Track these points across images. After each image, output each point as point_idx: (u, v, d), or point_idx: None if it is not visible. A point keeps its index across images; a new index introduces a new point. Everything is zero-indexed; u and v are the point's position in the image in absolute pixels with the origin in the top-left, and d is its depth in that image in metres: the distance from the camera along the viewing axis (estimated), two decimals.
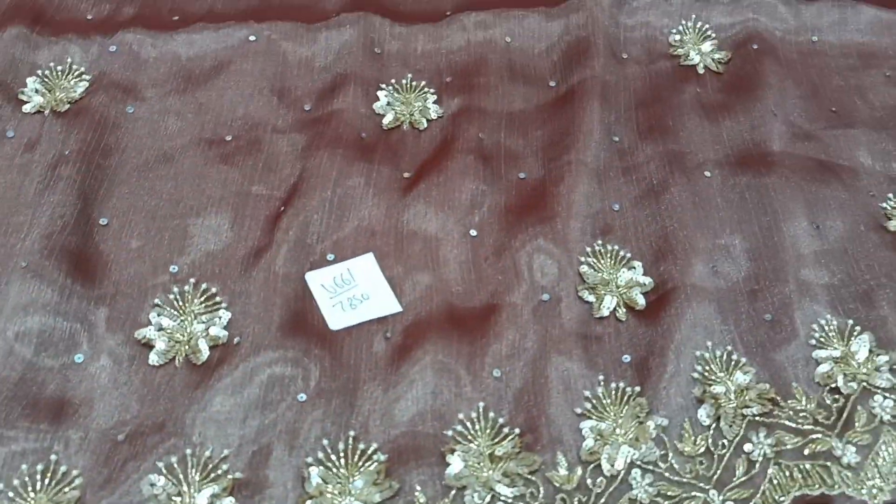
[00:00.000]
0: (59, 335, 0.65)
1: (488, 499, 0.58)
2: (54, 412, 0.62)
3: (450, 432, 0.62)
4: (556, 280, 0.71)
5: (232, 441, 0.60)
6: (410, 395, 0.63)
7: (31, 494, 0.57)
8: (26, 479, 0.58)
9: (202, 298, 0.69)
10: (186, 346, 0.66)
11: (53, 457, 0.59)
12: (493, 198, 0.78)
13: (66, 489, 0.58)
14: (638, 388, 0.64)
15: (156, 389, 0.64)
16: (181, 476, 0.58)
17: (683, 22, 0.95)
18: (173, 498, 0.57)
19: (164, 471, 0.58)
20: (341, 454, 0.60)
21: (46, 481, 0.58)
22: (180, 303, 0.69)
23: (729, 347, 0.67)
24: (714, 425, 0.63)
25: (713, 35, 0.94)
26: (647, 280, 0.72)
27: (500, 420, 0.63)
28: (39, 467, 0.58)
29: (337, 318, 0.69)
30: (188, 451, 0.59)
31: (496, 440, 0.61)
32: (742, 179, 0.79)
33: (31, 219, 0.72)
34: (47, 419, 0.61)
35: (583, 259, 0.72)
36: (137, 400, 0.63)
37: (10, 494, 0.57)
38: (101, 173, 0.77)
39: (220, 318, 0.68)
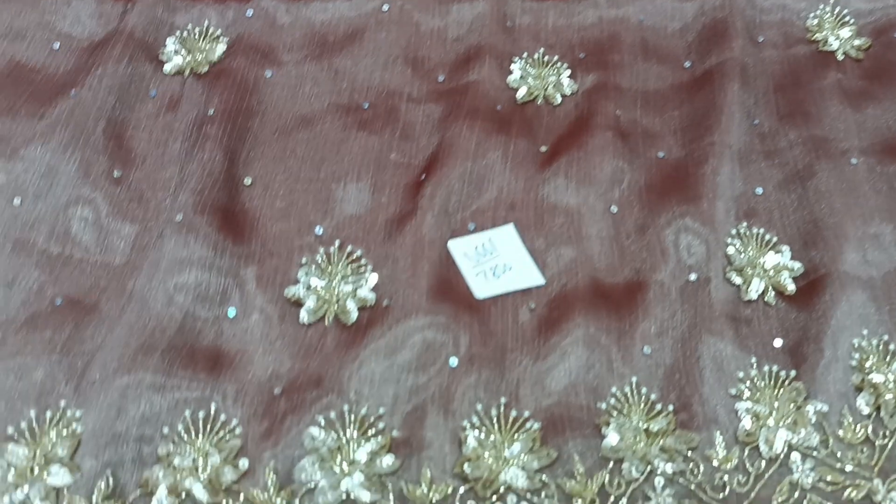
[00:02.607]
0: (214, 290, 0.66)
1: (646, 473, 0.58)
2: (211, 363, 0.63)
3: (604, 405, 0.61)
4: (704, 260, 0.69)
5: (386, 401, 0.61)
6: (562, 367, 0.63)
7: (197, 440, 0.58)
8: (190, 425, 0.59)
9: (348, 260, 0.69)
10: (335, 306, 0.66)
11: (213, 405, 0.60)
12: (632, 175, 0.77)
13: (228, 437, 0.59)
14: (793, 373, 0.63)
15: (308, 346, 0.64)
16: (340, 431, 0.59)
17: (821, 6, 0.92)
18: (334, 452, 0.58)
19: (324, 425, 0.59)
20: (494, 420, 0.60)
21: (209, 429, 0.59)
22: (327, 264, 0.69)
23: (885, 337, 0.65)
24: (874, 414, 0.61)
25: (852, 21, 0.91)
26: (797, 265, 0.70)
27: (653, 396, 0.62)
28: (201, 415, 0.59)
29: (481, 286, 0.68)
30: (345, 408, 0.60)
31: (651, 416, 0.61)
32: (890, 168, 0.77)
33: (180, 175, 0.74)
34: (205, 370, 0.62)
35: (729, 241, 0.71)
36: (290, 356, 0.64)
37: (175, 439, 0.58)
38: (243, 134, 0.78)
39: (366, 280, 0.68)
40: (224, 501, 0.56)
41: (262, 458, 0.58)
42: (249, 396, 0.61)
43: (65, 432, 0.58)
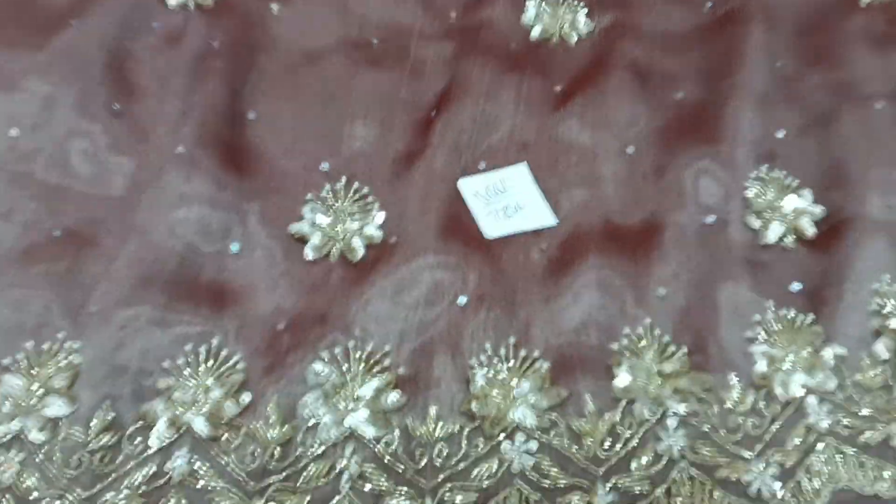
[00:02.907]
0: (216, 225, 0.65)
1: (659, 414, 0.56)
2: (213, 298, 0.61)
3: (616, 346, 0.60)
4: (722, 203, 0.67)
5: (393, 338, 0.59)
6: (574, 307, 0.61)
7: (198, 372, 0.57)
8: (191, 359, 0.58)
9: (355, 197, 0.67)
10: (341, 243, 0.64)
11: (215, 340, 0.59)
12: (649, 116, 0.74)
13: (230, 372, 0.57)
14: (811, 317, 0.61)
15: (312, 283, 0.63)
16: (345, 368, 0.57)
17: None
18: (338, 388, 0.56)
19: (328, 361, 0.57)
20: (503, 359, 0.59)
21: (210, 363, 0.58)
22: (333, 201, 0.67)
23: None
24: (893, 359, 0.60)
25: None
26: (818, 209, 0.68)
27: (666, 338, 0.60)
28: (203, 349, 0.58)
29: (491, 226, 0.66)
30: (350, 344, 0.58)
31: (664, 357, 0.59)
32: None
33: (183, 108, 0.71)
34: (207, 304, 0.60)
35: (748, 184, 0.69)
36: (294, 292, 0.62)
37: (175, 373, 0.57)
38: (248, 69, 0.75)
39: (373, 217, 0.66)
40: (225, 435, 0.55)
41: (264, 394, 0.56)
42: (252, 332, 0.60)
43: (63, 364, 0.57)
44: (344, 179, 0.68)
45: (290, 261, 0.64)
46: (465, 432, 0.55)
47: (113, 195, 0.67)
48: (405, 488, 0.53)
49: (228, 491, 0.52)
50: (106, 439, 0.54)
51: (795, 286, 0.64)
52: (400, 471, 0.54)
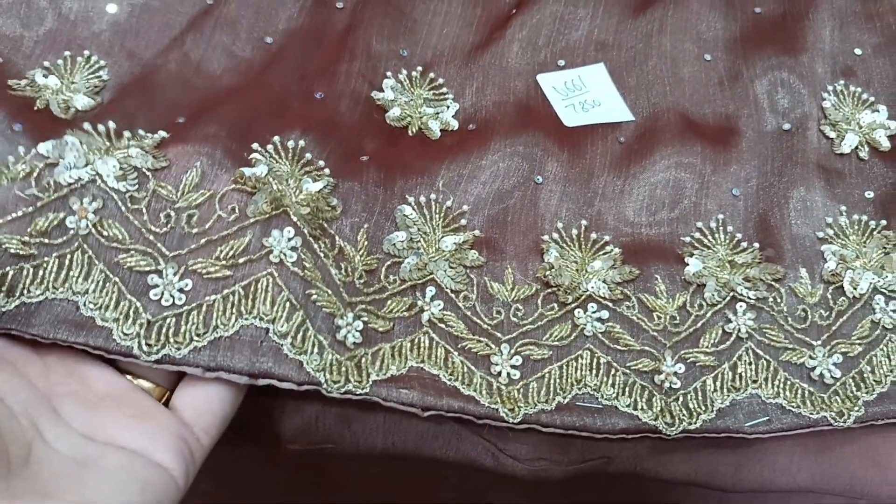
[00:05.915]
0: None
1: (728, 298, 0.57)
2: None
3: (688, 238, 0.61)
4: (799, 112, 0.68)
5: (470, 200, 0.60)
6: (648, 198, 0.62)
7: (288, 159, 0.57)
8: (279, 147, 0.57)
9: (430, 86, 0.68)
10: (419, 122, 0.65)
11: (302, 142, 0.58)
12: (727, 26, 0.74)
13: (320, 175, 0.57)
14: (883, 222, 0.62)
15: (396, 136, 0.63)
16: (428, 217, 0.58)
17: None
18: (424, 235, 0.57)
19: (415, 206, 0.58)
20: (575, 240, 0.60)
21: (296, 158, 0.57)
22: (409, 85, 0.68)
23: None
24: None
25: None
26: (893, 123, 0.68)
27: (738, 236, 0.61)
28: (290, 142, 0.57)
29: (570, 117, 0.67)
30: (432, 196, 0.59)
31: (736, 251, 0.60)
32: None
33: None
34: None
35: (825, 95, 0.69)
36: (376, 140, 0.62)
37: (265, 157, 0.56)
38: None
39: (447, 107, 0.67)
40: (320, 242, 0.54)
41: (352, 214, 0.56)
42: (337, 155, 0.59)
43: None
44: (420, 69, 0.69)
45: (372, 120, 0.64)
46: (541, 296, 0.57)
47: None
48: (481, 337, 0.54)
49: (327, 292, 0.52)
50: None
51: (869, 194, 0.64)
52: (477, 322, 0.55)
